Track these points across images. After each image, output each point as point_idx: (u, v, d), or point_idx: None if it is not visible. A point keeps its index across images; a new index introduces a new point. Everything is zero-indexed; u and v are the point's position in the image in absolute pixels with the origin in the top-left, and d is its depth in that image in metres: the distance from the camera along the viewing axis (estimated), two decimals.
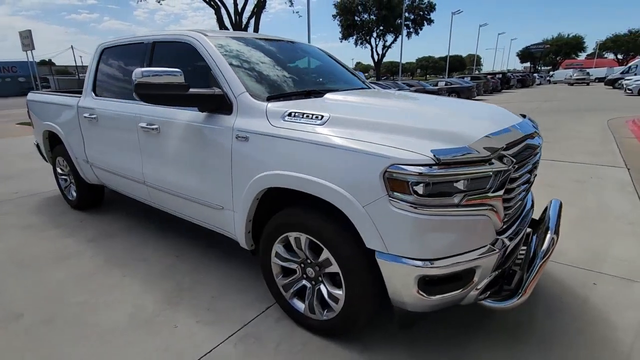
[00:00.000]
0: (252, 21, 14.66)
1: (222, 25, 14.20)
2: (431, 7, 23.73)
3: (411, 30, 24.48)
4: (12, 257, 2.95)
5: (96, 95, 3.17)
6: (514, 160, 1.63)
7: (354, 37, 24.81)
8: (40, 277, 2.64)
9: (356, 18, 24.19)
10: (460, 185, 1.49)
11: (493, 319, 2.08)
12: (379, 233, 1.56)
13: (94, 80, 3.20)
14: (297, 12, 21.19)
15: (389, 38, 24.41)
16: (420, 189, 1.47)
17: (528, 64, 76.14)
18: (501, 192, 1.59)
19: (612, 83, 28.93)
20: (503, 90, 27.96)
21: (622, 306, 2.16)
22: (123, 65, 3.00)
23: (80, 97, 3.36)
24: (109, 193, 4.13)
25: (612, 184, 4.49)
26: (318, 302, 1.95)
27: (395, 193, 1.50)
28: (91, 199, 3.92)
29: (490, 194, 1.55)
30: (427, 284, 1.57)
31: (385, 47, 25.21)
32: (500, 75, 28.14)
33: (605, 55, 68.07)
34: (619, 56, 61.31)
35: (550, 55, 68.59)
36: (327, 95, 2.22)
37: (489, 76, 26.41)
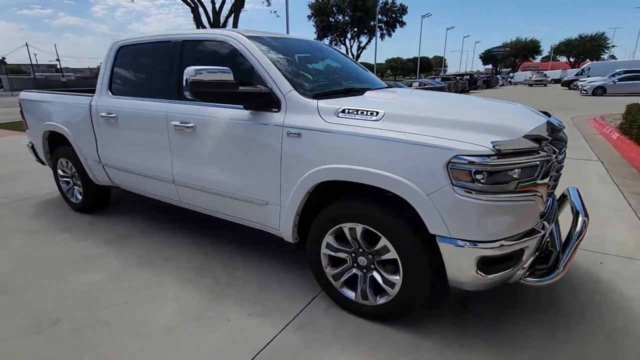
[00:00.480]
0: (230, 20, 14.49)
1: (199, 24, 13.92)
2: (403, 10, 24.54)
3: (384, 32, 25.17)
4: (26, 263, 2.83)
5: (113, 94, 3.10)
6: (556, 151, 1.82)
7: (329, 37, 25.09)
8: (66, 281, 2.57)
9: (331, 19, 24.49)
10: (514, 173, 1.66)
11: (527, 298, 2.28)
12: (442, 219, 1.70)
13: (110, 78, 3.13)
14: (275, 12, 21.28)
15: (363, 39, 25.03)
16: (481, 177, 1.62)
17: (490, 66, 79.93)
18: (546, 180, 1.78)
19: (568, 84, 31.06)
20: (470, 91, 29.23)
21: (630, 281, 2.43)
22: (148, 63, 2.96)
23: (91, 96, 3.27)
24: (115, 195, 4.02)
25: (591, 176, 4.91)
26: (371, 288, 2.06)
27: (458, 181, 1.65)
28: (98, 201, 3.80)
29: (538, 181, 1.73)
30: (485, 264, 1.73)
31: (360, 48, 25.74)
32: (468, 77, 29.44)
33: (559, 58, 72.69)
34: (571, 59, 65.70)
35: (510, 58, 72.33)
36: (367, 94, 2.34)
37: (457, 77, 27.56)
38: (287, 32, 16.27)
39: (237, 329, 2.05)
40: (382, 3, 24.07)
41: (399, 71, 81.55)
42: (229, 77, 2.08)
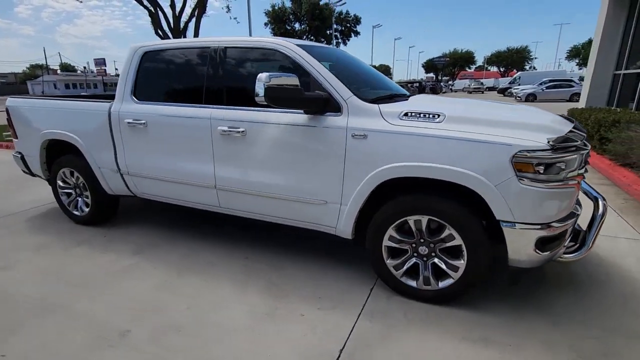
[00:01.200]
0: (190, 25, 14.13)
1: (158, 29, 13.36)
2: (357, 20, 25.58)
3: (339, 40, 25.98)
4: (60, 279, 2.66)
5: (139, 100, 3.02)
6: (589, 146, 2.19)
7: None
8: (115, 293, 2.48)
9: (288, 27, 24.70)
10: (563, 165, 1.98)
11: (548, 275, 2.63)
12: (508, 206, 1.97)
13: (134, 84, 3.04)
14: (236, 19, 20.87)
15: None
16: (540, 168, 1.92)
17: (432, 74, 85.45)
18: (582, 170, 2.13)
19: (503, 91, 34.23)
20: None
21: (622, 255, 2.91)
22: (181, 69, 2.94)
23: (110, 102, 3.15)
24: (123, 205, 3.85)
25: None
26: (432, 274, 2.28)
27: (521, 173, 1.93)
28: (108, 212, 3.62)
29: (577, 171, 2.07)
30: (542, 243, 2.03)
31: None
32: (417, 84, 31.32)
33: (490, 68, 79.69)
34: (501, 69, 72.36)
35: (449, 67, 77.81)
36: (412, 99, 2.58)
37: (409, 84, 29.26)
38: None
39: (315, 322, 2.15)
40: (337, 13, 24.93)
41: None
42: (296, 82, 2.20)
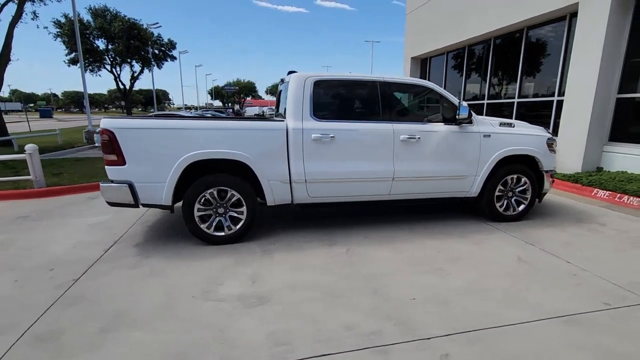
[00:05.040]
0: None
1: None
2: (172, 45, 24.75)
3: (154, 64, 24.28)
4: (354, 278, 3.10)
5: (319, 118, 3.68)
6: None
7: (85, 62, 21.42)
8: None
9: (91, 44, 20.94)
10: (555, 144, 4.54)
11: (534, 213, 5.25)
12: (545, 162, 4.33)
13: (311, 106, 3.66)
14: (47, 28, 16.29)
15: (137, 68, 23.06)
16: (552, 145, 4.40)
17: (218, 101, 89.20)
18: None
19: None
20: None
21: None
22: (356, 95, 3.86)
23: (280, 120, 3.61)
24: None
25: None
26: (514, 203, 4.39)
27: (549, 147, 4.35)
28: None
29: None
30: (550, 177, 4.52)
31: (134, 78, 23.41)
32: (230, 109, 33.22)
33: (271, 98, 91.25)
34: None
35: (235, 95, 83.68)
36: (475, 116, 4.63)
37: (221, 111, 30.91)
38: (80, 53, 13.61)
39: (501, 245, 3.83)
40: (155, 36, 23.44)
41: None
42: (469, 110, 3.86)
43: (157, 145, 3.36)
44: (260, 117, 10.33)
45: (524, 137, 4.26)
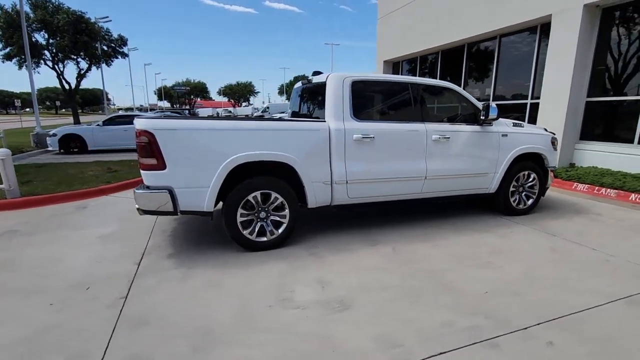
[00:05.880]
0: None
1: None
2: (122, 41, 22.84)
3: (102, 61, 22.25)
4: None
5: (359, 119, 3.66)
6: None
7: (22, 57, 19.14)
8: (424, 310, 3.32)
9: (34, 38, 18.64)
10: (557, 141, 4.95)
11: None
12: (550, 159, 4.71)
13: (351, 106, 3.63)
14: None
15: (83, 65, 20.89)
16: (555, 143, 4.80)
17: (166, 102, 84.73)
18: None
19: (260, 118, 40.24)
20: None
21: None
22: (391, 96, 3.88)
23: (322, 121, 3.55)
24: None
25: None
26: (524, 197, 4.71)
27: (552, 145, 4.74)
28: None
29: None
30: (553, 172, 4.93)
31: (80, 76, 21.19)
32: (187, 110, 31.79)
33: (221, 99, 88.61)
34: (232, 100, 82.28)
35: (186, 95, 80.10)
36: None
37: (177, 112, 29.43)
38: (26, 46, 12.15)
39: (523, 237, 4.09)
40: (104, 31, 21.47)
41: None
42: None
43: (201, 147, 3.14)
44: (260, 117, 10.04)
45: (533, 136, 4.60)
